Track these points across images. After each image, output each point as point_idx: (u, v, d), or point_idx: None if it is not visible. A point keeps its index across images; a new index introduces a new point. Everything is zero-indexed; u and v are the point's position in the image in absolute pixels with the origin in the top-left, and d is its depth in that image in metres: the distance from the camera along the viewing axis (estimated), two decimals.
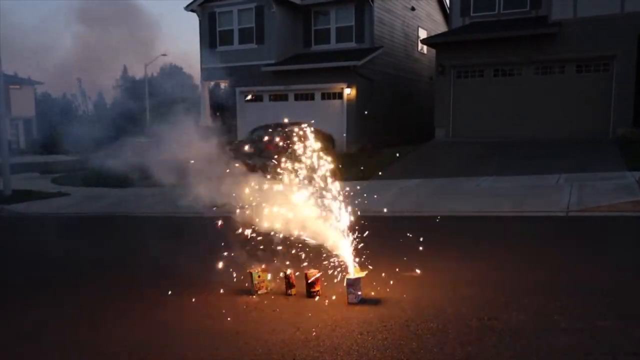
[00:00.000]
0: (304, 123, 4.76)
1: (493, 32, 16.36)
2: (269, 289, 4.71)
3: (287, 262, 4.78)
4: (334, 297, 4.39)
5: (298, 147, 4.69)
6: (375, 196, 8.28)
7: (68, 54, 7.25)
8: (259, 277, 4.67)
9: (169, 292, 4.78)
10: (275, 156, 4.84)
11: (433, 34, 22.33)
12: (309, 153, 4.66)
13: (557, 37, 15.39)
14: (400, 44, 21.71)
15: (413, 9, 22.64)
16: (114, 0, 7.29)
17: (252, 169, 5.48)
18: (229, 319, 4.12)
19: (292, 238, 4.74)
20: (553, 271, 4.95)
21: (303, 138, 4.68)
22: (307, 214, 4.69)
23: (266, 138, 11.61)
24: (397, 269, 4.97)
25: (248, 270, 4.72)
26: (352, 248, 4.62)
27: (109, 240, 8.08)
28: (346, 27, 19.77)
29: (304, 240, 4.71)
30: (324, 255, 4.73)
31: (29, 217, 11.06)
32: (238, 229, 4.83)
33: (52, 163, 19.32)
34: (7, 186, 13.08)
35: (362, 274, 4.50)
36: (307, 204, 4.70)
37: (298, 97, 19.96)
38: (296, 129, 4.70)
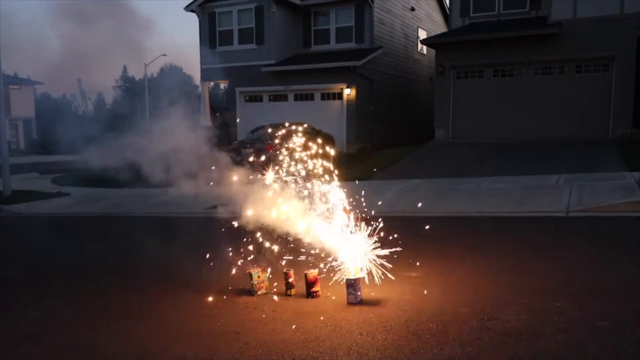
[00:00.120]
0: (304, 123, 4.77)
1: (493, 32, 16.37)
2: (268, 289, 4.72)
3: (284, 262, 4.79)
4: (333, 298, 4.40)
5: (298, 147, 4.69)
6: (375, 196, 8.28)
7: (65, 54, 7.21)
8: (258, 277, 4.67)
9: (169, 292, 4.77)
10: (275, 157, 4.85)
11: (433, 34, 22.36)
12: (308, 153, 4.66)
13: (557, 38, 15.40)
14: (400, 44, 21.72)
15: (413, 9, 22.65)
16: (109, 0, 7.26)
17: (252, 169, 5.48)
18: (229, 319, 4.12)
19: (292, 239, 4.74)
20: (553, 271, 4.95)
21: (303, 138, 4.68)
22: (307, 214, 4.69)
23: (266, 138, 11.60)
24: (397, 269, 4.96)
25: (248, 271, 4.72)
26: (352, 248, 4.62)
27: (109, 241, 8.09)
28: (346, 28, 19.78)
29: (304, 240, 4.71)
30: (324, 255, 4.73)
31: (29, 218, 11.06)
32: (238, 229, 4.83)
33: (52, 163, 19.30)
34: (7, 186, 13.05)
35: (362, 274, 4.50)
36: (307, 204, 4.71)
37: (298, 98, 19.99)
38: (296, 129, 4.70)
